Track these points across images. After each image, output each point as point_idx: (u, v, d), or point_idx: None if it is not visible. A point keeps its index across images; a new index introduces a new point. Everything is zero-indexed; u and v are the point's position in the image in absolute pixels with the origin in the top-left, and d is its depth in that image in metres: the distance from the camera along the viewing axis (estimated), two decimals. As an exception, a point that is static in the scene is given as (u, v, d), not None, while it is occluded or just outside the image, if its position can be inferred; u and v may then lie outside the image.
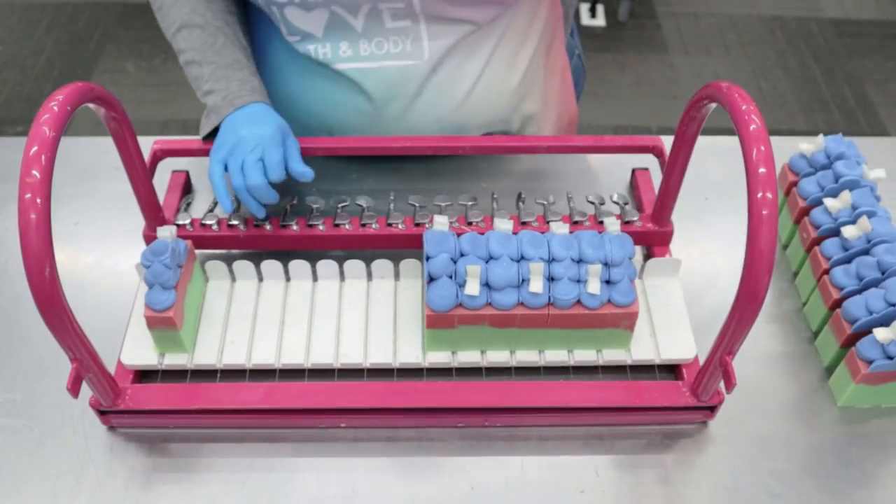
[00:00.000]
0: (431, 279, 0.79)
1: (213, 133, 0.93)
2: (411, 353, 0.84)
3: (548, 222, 0.94)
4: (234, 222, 0.93)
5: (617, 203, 0.97)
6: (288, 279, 0.90)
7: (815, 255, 0.90)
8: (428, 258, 0.80)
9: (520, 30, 0.99)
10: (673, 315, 0.87)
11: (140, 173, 0.85)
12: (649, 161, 1.03)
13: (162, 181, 0.99)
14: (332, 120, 1.00)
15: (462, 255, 0.80)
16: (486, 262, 0.80)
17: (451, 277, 0.79)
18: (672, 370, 0.86)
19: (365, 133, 1.00)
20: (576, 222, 0.94)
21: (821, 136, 0.96)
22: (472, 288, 0.78)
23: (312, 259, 0.89)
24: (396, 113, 0.97)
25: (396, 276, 0.90)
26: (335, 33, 0.92)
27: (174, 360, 0.83)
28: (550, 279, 0.80)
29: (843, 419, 0.84)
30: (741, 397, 0.84)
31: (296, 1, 0.89)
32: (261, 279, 0.90)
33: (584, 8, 2.90)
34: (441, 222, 0.83)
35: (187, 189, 1.02)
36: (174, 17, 0.94)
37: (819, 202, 0.93)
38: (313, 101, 0.99)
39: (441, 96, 0.97)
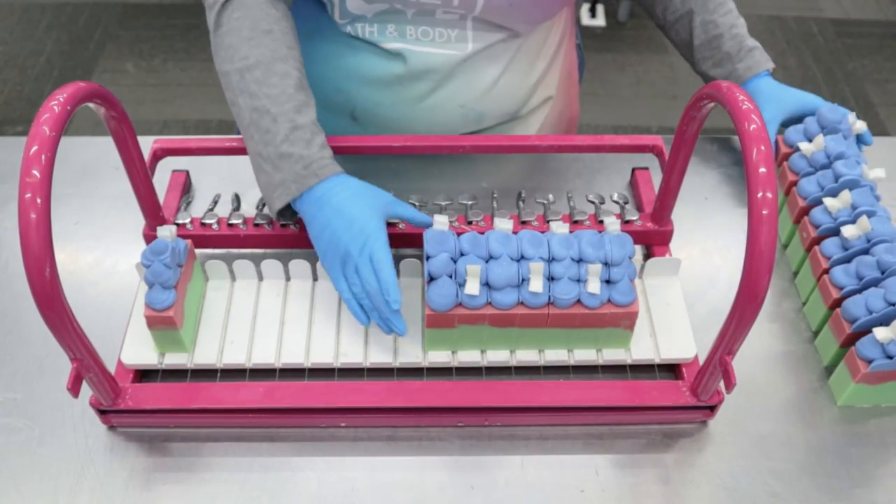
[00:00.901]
0: (431, 279, 0.79)
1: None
2: (411, 352, 0.84)
3: (548, 222, 0.94)
4: (235, 222, 0.93)
5: (617, 202, 0.97)
6: (288, 279, 0.90)
7: (815, 254, 0.90)
8: (428, 258, 0.80)
9: (543, 31, 1.02)
10: (673, 315, 0.87)
11: (140, 173, 0.85)
12: (649, 161, 1.03)
13: (162, 181, 0.99)
14: (360, 97, 1.00)
15: (462, 254, 0.80)
16: (486, 262, 0.80)
17: (451, 277, 0.79)
18: (672, 370, 0.86)
19: (390, 112, 1.01)
20: (576, 222, 0.94)
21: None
22: (472, 287, 0.78)
23: (312, 259, 0.89)
24: (424, 92, 0.98)
25: (397, 275, 0.90)
26: (385, 17, 0.93)
27: (174, 359, 0.83)
28: (550, 279, 0.80)
29: (842, 419, 0.84)
30: (741, 397, 0.84)
31: None
32: (261, 279, 0.90)
33: (585, 8, 2.90)
34: (441, 222, 0.83)
35: (187, 188, 1.02)
36: (247, 51, 0.83)
37: (819, 202, 0.93)
38: (343, 77, 1.00)
39: (469, 83, 0.99)
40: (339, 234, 0.79)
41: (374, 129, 1.04)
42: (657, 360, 0.84)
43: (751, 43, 1.04)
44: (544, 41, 1.03)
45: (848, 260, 0.88)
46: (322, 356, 0.84)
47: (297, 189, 0.81)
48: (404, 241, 0.94)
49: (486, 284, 0.79)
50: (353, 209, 0.80)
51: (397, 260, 0.89)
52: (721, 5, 1.04)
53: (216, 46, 0.87)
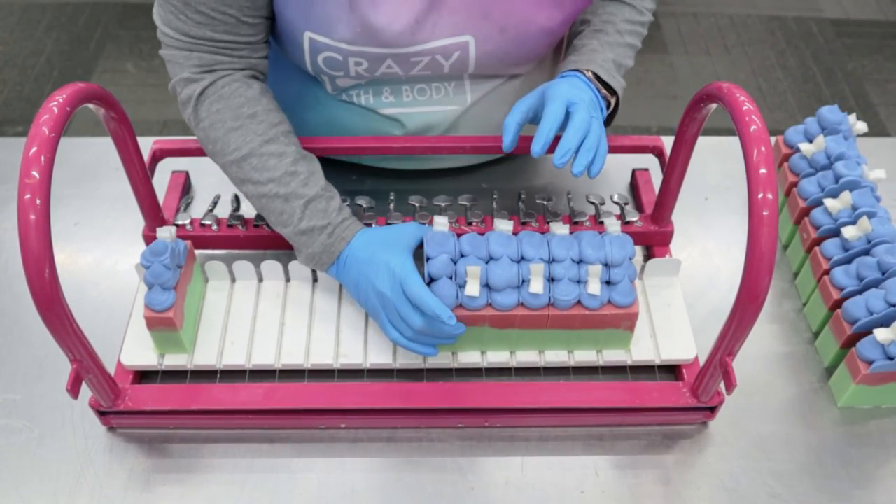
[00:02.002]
0: (432, 280, 0.79)
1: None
2: (411, 353, 0.84)
3: (548, 222, 0.94)
4: (234, 223, 0.93)
5: (617, 203, 0.97)
6: (287, 279, 0.90)
7: (816, 255, 0.90)
8: (428, 259, 0.80)
9: (547, 67, 1.01)
10: (673, 315, 0.87)
11: (140, 173, 0.85)
12: (649, 161, 1.02)
13: (162, 181, 0.99)
14: (364, 157, 1.01)
15: (462, 255, 0.80)
16: (487, 263, 0.80)
17: (451, 278, 0.79)
18: (672, 371, 0.86)
19: (396, 164, 1.02)
20: (576, 222, 0.94)
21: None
22: (473, 289, 0.78)
23: (312, 259, 0.89)
24: None
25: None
26: (379, 83, 0.92)
27: (174, 360, 0.83)
28: (550, 280, 0.80)
29: (843, 419, 0.84)
30: (741, 398, 0.84)
31: (350, 74, 0.88)
32: (260, 279, 0.90)
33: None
34: (441, 222, 0.82)
35: (187, 189, 1.02)
36: (237, 142, 0.83)
37: (819, 203, 0.93)
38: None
39: (475, 131, 0.98)
40: (371, 282, 0.79)
41: (381, 177, 1.04)
42: (657, 362, 0.84)
43: (595, 52, 0.90)
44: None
45: (848, 261, 0.87)
46: (322, 357, 0.84)
47: (329, 258, 0.83)
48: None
49: (487, 286, 0.79)
50: (376, 256, 0.80)
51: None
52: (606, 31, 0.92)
53: (202, 140, 0.86)
